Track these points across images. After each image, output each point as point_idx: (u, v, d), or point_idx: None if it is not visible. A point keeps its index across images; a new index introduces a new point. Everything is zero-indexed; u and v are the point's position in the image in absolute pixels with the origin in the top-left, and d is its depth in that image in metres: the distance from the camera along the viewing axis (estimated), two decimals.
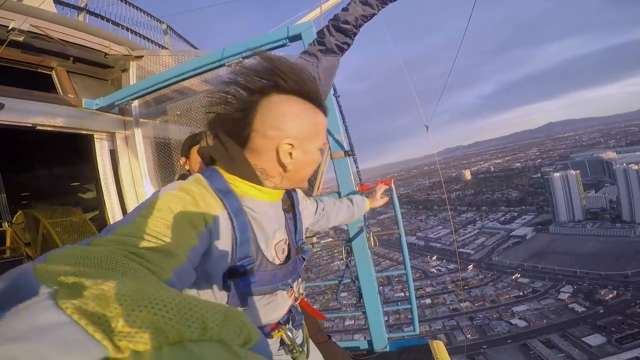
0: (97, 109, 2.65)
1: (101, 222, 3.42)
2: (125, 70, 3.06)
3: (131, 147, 2.89)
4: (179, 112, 2.74)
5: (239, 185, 0.80)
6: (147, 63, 3.05)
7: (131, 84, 2.91)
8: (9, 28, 2.43)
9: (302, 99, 0.81)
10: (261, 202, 0.84)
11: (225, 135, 0.81)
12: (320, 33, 1.68)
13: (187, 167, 1.86)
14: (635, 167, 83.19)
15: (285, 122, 0.78)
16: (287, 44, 2.07)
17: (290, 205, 1.00)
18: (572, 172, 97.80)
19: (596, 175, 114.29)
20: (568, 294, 61.46)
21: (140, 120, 2.88)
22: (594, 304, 57.05)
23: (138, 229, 0.55)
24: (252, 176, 0.81)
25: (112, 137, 2.89)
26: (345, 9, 1.66)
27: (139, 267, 0.45)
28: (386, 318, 2.40)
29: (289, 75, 0.77)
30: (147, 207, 0.62)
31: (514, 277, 72.50)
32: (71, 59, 2.82)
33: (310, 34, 1.99)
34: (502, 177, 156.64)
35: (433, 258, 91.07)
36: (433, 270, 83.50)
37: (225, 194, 0.76)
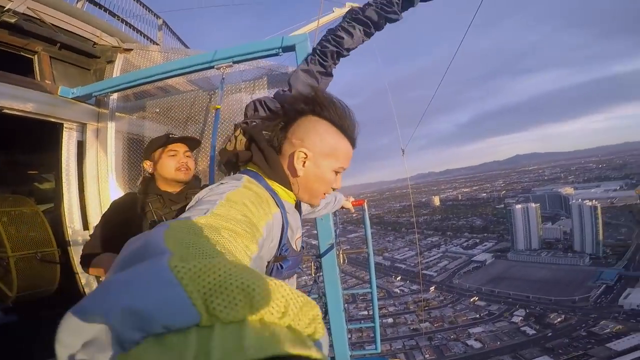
0: (72, 98, 2.56)
1: (55, 215, 3.20)
2: (111, 62, 2.98)
3: (101, 140, 2.78)
4: (158, 110, 2.65)
5: (275, 188, 0.90)
6: (134, 57, 2.97)
7: (114, 76, 2.85)
8: (5, 8, 2.33)
9: (333, 125, 0.93)
10: (288, 203, 0.94)
11: (265, 143, 0.91)
12: (323, 55, 1.66)
13: (150, 170, 1.79)
14: (589, 203, 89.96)
15: (308, 136, 0.91)
16: (280, 54, 2.08)
17: (297, 203, 1.09)
18: (533, 205, 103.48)
19: (554, 209, 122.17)
20: (520, 318, 64.21)
21: (116, 114, 2.77)
22: (544, 327, 59.94)
23: (224, 216, 0.60)
24: (285, 181, 0.92)
25: (82, 128, 2.77)
26: (349, 33, 1.64)
27: (233, 245, 0.50)
28: (349, 335, 2.45)
29: (325, 105, 0.91)
30: (225, 199, 0.68)
31: (472, 299, 74.97)
32: (58, 45, 2.72)
33: (304, 46, 2.00)
34: (468, 206, 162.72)
35: (397, 278, 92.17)
36: (397, 290, 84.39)
37: (274, 195, 0.86)
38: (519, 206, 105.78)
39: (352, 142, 0.98)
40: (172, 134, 1.82)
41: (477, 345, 57.60)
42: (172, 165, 1.74)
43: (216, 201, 0.65)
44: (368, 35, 1.69)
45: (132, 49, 3.01)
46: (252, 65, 2.40)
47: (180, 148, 1.79)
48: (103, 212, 1.83)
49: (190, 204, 0.75)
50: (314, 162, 0.92)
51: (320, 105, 0.92)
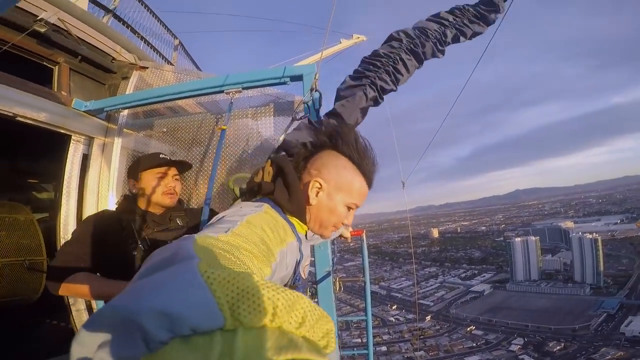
0: (84, 111, 2.59)
1: (50, 225, 3.17)
2: (126, 78, 3.00)
3: (106, 155, 2.78)
4: (165, 129, 2.66)
5: (292, 220, 0.92)
6: (149, 75, 3.01)
7: (128, 92, 2.88)
8: (38, 18, 2.39)
9: (352, 163, 0.96)
10: (301, 234, 0.97)
11: (294, 175, 0.94)
12: (382, 92, 1.50)
13: (134, 190, 1.69)
14: (590, 236, 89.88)
15: (326, 168, 0.95)
16: (288, 83, 2.11)
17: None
18: (533, 238, 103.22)
19: (554, 242, 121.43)
20: (519, 346, 62.48)
21: (124, 130, 2.78)
22: (543, 355, 58.25)
23: (244, 236, 0.62)
24: (302, 212, 0.94)
25: (89, 141, 2.77)
26: (407, 70, 1.52)
27: (251, 264, 0.52)
28: None
29: (347, 142, 0.96)
30: (245, 221, 0.70)
31: (468, 329, 72.92)
32: (79, 57, 2.76)
33: (311, 77, 2.02)
34: (467, 238, 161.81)
35: (393, 307, 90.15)
36: (392, 319, 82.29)
37: (291, 226, 0.88)
38: (518, 239, 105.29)
39: (369, 182, 1.00)
40: (163, 155, 1.73)
41: None
42: (160, 189, 1.64)
43: (237, 222, 0.67)
44: (413, 71, 1.58)
45: (147, 67, 3.05)
46: (259, 91, 2.44)
47: (170, 171, 1.70)
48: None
49: (212, 221, 0.77)
50: (327, 193, 0.94)
51: (343, 141, 0.96)
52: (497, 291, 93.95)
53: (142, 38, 3.92)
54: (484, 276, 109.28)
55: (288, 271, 0.83)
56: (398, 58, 1.50)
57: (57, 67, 2.69)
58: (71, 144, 2.66)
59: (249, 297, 0.30)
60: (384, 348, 66.53)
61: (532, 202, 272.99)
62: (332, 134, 0.98)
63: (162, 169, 1.68)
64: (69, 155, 2.66)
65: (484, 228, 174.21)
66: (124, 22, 3.73)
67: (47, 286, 1.51)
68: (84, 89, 2.83)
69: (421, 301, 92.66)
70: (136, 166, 1.70)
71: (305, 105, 1.89)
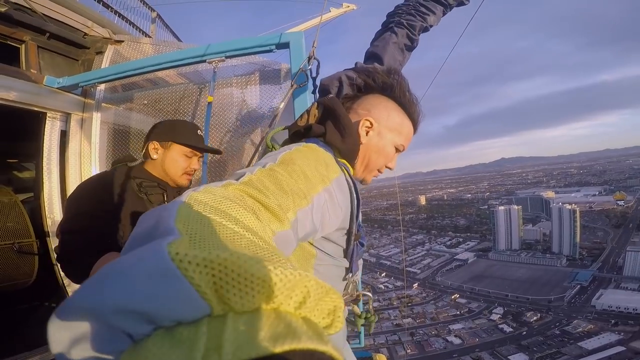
0: (58, 88, 2.49)
1: (35, 205, 3.04)
2: (101, 53, 2.88)
3: (85, 130, 2.69)
4: (146, 102, 2.57)
5: (343, 162, 0.87)
6: (125, 49, 2.88)
7: (103, 67, 2.76)
8: None
9: (401, 107, 0.96)
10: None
11: (344, 112, 0.88)
12: (411, 28, 1.52)
13: (155, 155, 1.47)
14: (569, 207, 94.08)
15: (376, 108, 0.94)
16: (274, 51, 2.02)
17: None
18: (515, 207, 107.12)
19: (535, 211, 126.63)
20: (499, 315, 66.75)
21: (103, 104, 2.69)
22: (520, 325, 62.59)
23: (261, 182, 0.54)
24: (354, 159, 0.90)
25: (66, 117, 2.68)
26: (432, 11, 1.57)
27: (255, 221, 0.43)
28: None
29: (400, 88, 0.94)
30: (278, 160, 0.63)
31: (453, 297, 77.24)
32: (47, 34, 2.66)
33: (299, 44, 1.94)
34: (453, 206, 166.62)
35: (382, 275, 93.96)
36: (381, 286, 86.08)
37: (343, 165, 0.83)
38: (501, 208, 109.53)
39: (415, 126, 1.00)
40: (200, 132, 1.56)
41: (457, 341, 59.62)
42: (183, 168, 1.49)
43: (265, 164, 0.60)
44: (443, 15, 1.64)
45: (123, 41, 2.93)
46: (244, 60, 2.37)
47: (198, 153, 1.54)
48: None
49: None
50: (378, 132, 0.93)
51: (393, 88, 0.94)
52: (480, 260, 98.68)
53: (115, 12, 3.80)
54: (468, 244, 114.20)
55: (344, 213, 0.74)
56: (419, 3, 1.56)
57: (23, 45, 2.61)
58: (47, 121, 2.62)
59: (237, 278, 0.25)
60: None
61: (517, 170, 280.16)
62: (387, 80, 0.95)
63: (194, 150, 1.51)
64: (46, 133, 2.62)
65: (469, 196, 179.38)
66: None
67: (68, 277, 1.26)
68: (55, 66, 2.76)
69: (409, 269, 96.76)
70: (169, 133, 1.49)
71: (303, 73, 1.80)
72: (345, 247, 0.81)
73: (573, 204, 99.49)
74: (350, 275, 0.88)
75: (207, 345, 0.22)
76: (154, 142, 1.48)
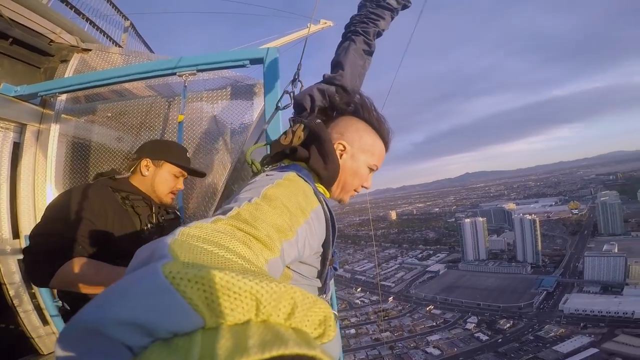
0: (15, 96, 2.33)
1: None
2: (65, 61, 2.74)
3: (42, 143, 2.51)
4: (110, 114, 2.46)
5: (320, 188, 0.90)
6: (92, 58, 2.75)
7: (66, 76, 2.63)
8: None
9: (372, 128, 1.00)
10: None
11: (331, 145, 0.91)
12: (366, 34, 1.62)
13: (145, 172, 1.49)
14: (529, 217, 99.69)
15: (348, 131, 0.98)
16: (247, 66, 1.99)
17: None
18: (480, 219, 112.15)
19: (499, 223, 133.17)
20: (473, 324, 68.55)
21: (63, 116, 2.54)
22: (495, 332, 64.56)
23: (250, 216, 0.56)
24: (332, 185, 0.94)
25: (21, 128, 2.51)
26: (380, 17, 1.67)
27: (247, 250, 0.46)
28: None
29: (367, 109, 0.99)
30: (261, 195, 0.64)
31: (428, 308, 78.51)
32: (10, 40, 2.49)
33: (273, 60, 1.92)
34: (423, 220, 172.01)
35: (358, 290, 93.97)
36: (357, 301, 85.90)
37: (321, 194, 0.82)
38: (467, 220, 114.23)
39: (387, 146, 1.04)
40: (189, 155, 1.67)
41: (436, 352, 60.26)
42: (170, 187, 1.53)
43: (250, 199, 0.62)
44: (391, 20, 1.76)
45: (90, 50, 2.81)
46: (216, 74, 2.33)
47: (186, 174, 1.60)
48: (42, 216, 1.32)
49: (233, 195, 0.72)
50: (352, 155, 0.97)
51: (363, 109, 0.99)
52: (450, 271, 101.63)
53: (87, 19, 3.66)
54: (438, 256, 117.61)
55: (320, 239, 0.78)
56: (368, 11, 1.68)
57: None
58: None
59: (227, 292, 0.28)
60: (352, 331, 69.54)
61: (480, 184, 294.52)
62: (352, 101, 1.00)
63: (180, 170, 1.56)
64: None
65: (437, 210, 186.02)
66: (67, 3, 3.45)
67: (29, 277, 1.25)
68: (15, 73, 2.57)
69: (383, 282, 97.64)
70: (164, 152, 1.54)
71: (287, 95, 1.74)
72: (319, 268, 0.85)
73: (533, 214, 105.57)
74: (324, 295, 0.92)
75: (201, 353, 0.24)
76: (146, 159, 1.50)
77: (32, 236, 1.22)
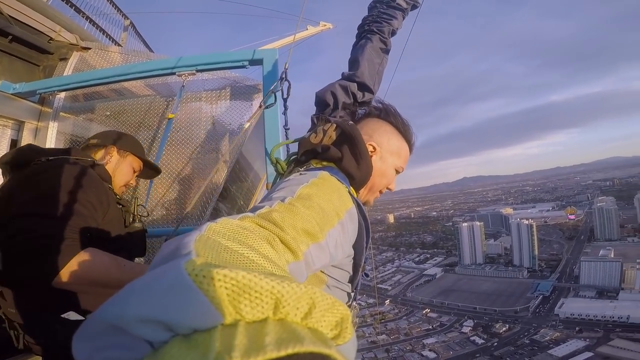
0: (13, 94, 2.34)
1: None
2: (65, 59, 2.75)
3: (39, 140, 2.50)
4: (108, 113, 2.46)
5: (352, 191, 0.86)
6: (92, 56, 2.76)
7: (65, 74, 2.64)
8: None
9: (398, 131, 1.03)
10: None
11: (365, 148, 0.91)
12: (382, 32, 1.62)
13: (106, 160, 1.40)
14: (526, 222, 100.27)
15: (376, 132, 1.01)
16: (247, 67, 2.00)
17: None
18: (477, 223, 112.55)
19: (496, 227, 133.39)
20: (469, 328, 68.60)
21: (61, 114, 2.53)
22: (491, 336, 64.66)
23: (279, 216, 0.55)
24: (362, 186, 0.94)
25: (19, 125, 2.51)
26: (393, 17, 1.68)
27: (271, 250, 0.46)
28: None
29: (392, 113, 1.04)
30: (296, 195, 0.64)
31: (424, 311, 78.48)
32: (10, 37, 2.50)
33: (273, 61, 1.92)
34: (420, 223, 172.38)
35: None
36: (354, 303, 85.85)
37: (355, 199, 0.80)
38: (465, 224, 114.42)
39: (411, 148, 1.07)
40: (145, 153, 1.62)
41: (432, 355, 60.29)
42: (125, 179, 1.48)
43: (284, 198, 0.62)
44: (403, 19, 1.77)
45: (90, 48, 2.81)
46: (216, 75, 2.33)
47: (141, 170, 1.57)
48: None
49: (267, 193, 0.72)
50: (381, 156, 0.98)
51: (389, 113, 1.03)
52: (447, 274, 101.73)
53: (87, 18, 3.66)
54: (435, 260, 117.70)
55: (353, 241, 0.76)
56: (380, 12, 1.70)
57: None
58: None
59: (248, 290, 0.28)
60: None
61: (478, 189, 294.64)
62: (378, 106, 1.05)
63: (141, 164, 1.54)
64: None
65: (435, 213, 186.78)
66: (67, 1, 3.46)
67: (33, 269, 0.96)
68: (13, 70, 2.58)
69: (380, 285, 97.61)
70: (131, 144, 1.51)
71: (273, 95, 1.77)
72: (351, 273, 0.84)
73: (530, 219, 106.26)
74: (354, 302, 0.93)
75: (219, 348, 0.25)
76: (112, 147, 1.44)
77: (35, 216, 1.00)
